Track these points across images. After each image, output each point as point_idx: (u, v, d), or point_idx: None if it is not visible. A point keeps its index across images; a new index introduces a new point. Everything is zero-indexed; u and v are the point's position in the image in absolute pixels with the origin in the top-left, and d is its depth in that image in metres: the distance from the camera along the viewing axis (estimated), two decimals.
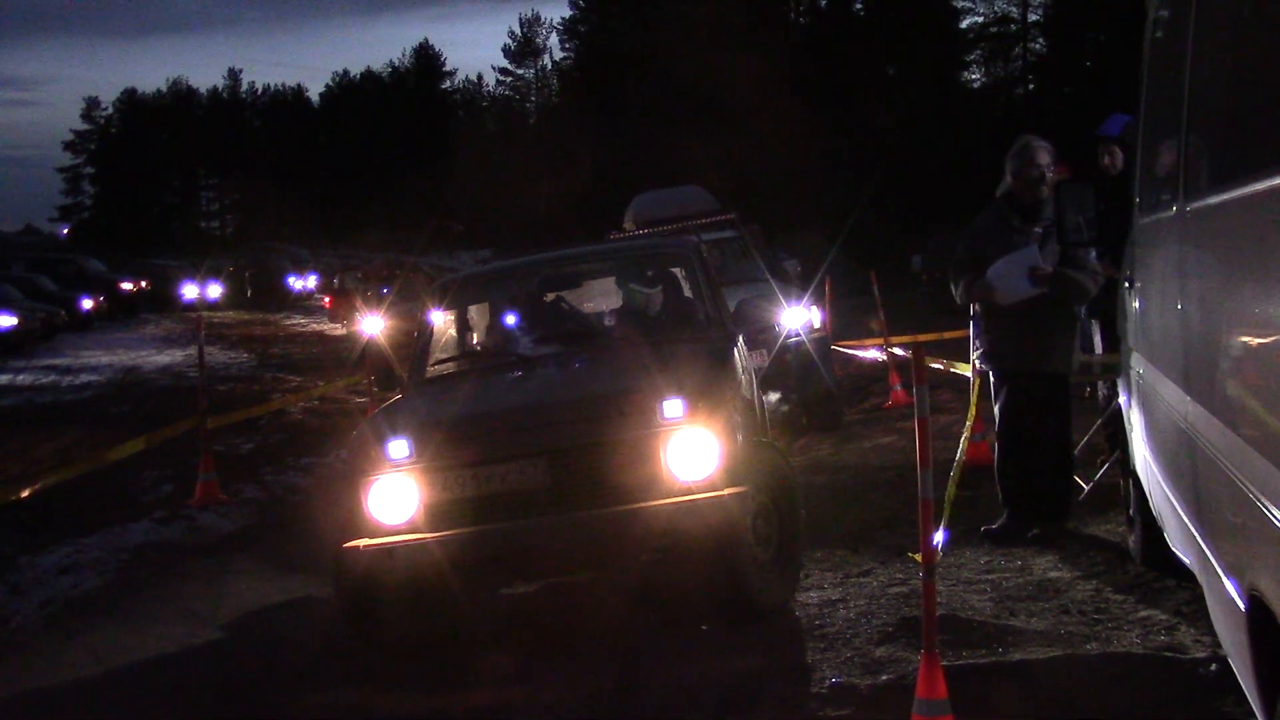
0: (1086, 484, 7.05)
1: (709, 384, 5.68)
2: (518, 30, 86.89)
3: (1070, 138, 6.96)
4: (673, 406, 5.37)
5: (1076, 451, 7.27)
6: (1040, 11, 48.46)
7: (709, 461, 5.35)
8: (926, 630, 3.98)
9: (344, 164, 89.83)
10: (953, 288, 6.83)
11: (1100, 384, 7.49)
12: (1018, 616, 5.27)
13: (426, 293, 8.24)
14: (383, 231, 68.94)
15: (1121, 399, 5.74)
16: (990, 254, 6.51)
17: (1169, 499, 4.18)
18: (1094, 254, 6.39)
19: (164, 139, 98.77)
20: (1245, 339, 2.80)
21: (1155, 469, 4.52)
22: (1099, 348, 7.39)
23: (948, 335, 13.24)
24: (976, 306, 6.92)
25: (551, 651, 5.61)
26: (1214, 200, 3.15)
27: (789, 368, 10.59)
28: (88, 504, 9.39)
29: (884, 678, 4.69)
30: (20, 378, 20.81)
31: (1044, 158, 6.50)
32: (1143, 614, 5.15)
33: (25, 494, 8.57)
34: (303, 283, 47.95)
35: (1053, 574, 5.86)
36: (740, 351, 6.65)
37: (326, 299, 34.82)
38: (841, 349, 13.76)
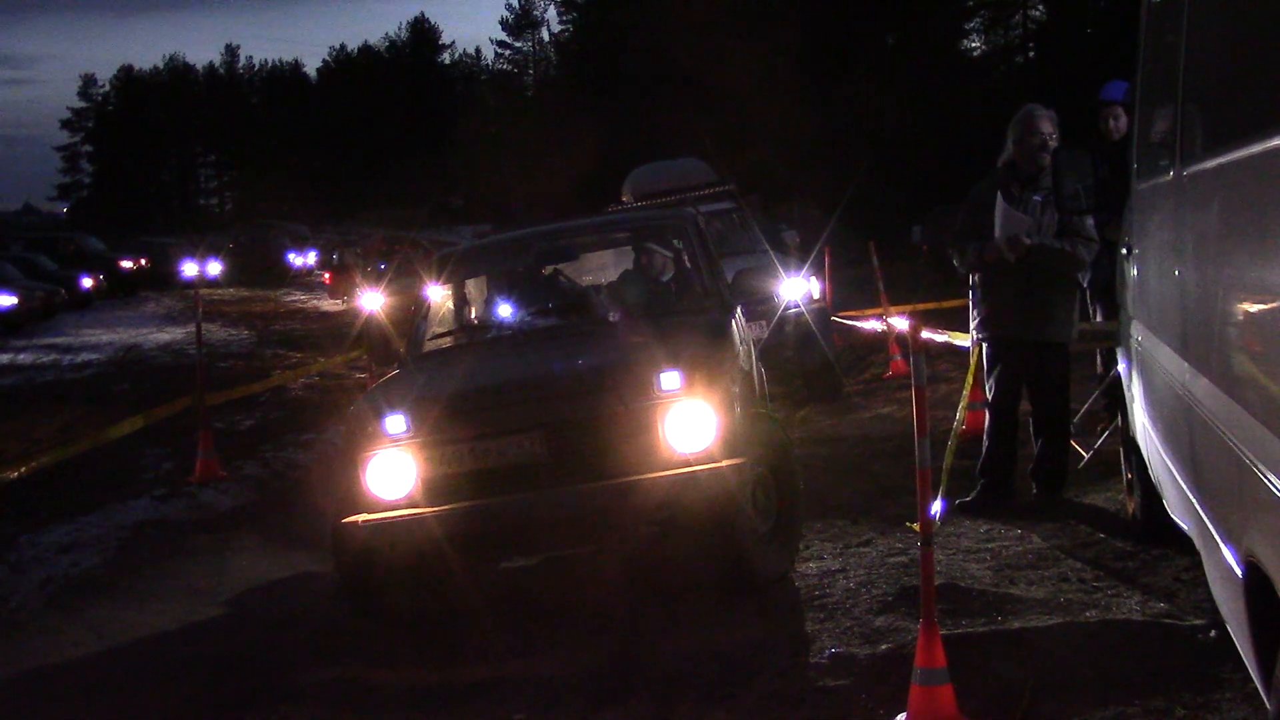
0: (1086, 452, 7.04)
1: (706, 356, 5.66)
2: (515, 3, 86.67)
3: (1071, 104, 6.90)
4: (670, 379, 5.35)
5: (1077, 420, 7.27)
6: None
7: (707, 433, 5.34)
8: (925, 599, 3.98)
9: (342, 139, 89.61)
10: (954, 257, 6.80)
11: (1099, 351, 7.47)
12: (1017, 585, 5.28)
13: (424, 267, 8.21)
14: (382, 207, 68.78)
15: (1120, 366, 5.73)
16: (988, 222, 6.48)
17: (1168, 466, 4.17)
18: (1091, 221, 6.35)
19: (161, 116, 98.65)
20: (1242, 304, 2.78)
21: (1154, 436, 4.51)
22: (1098, 315, 7.37)
23: (947, 305, 13.21)
24: (975, 276, 6.89)
25: (551, 625, 5.61)
26: (1210, 164, 3.13)
27: (788, 339, 10.58)
28: (88, 482, 9.40)
29: (883, 647, 4.70)
30: (20, 357, 20.81)
31: (1046, 126, 6.46)
32: (1142, 581, 5.16)
33: (25, 472, 8.55)
34: (302, 259, 47.90)
35: (1051, 542, 5.86)
36: (738, 323, 6.63)
37: (326, 275, 34.77)
38: (841, 320, 13.73)
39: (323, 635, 5.94)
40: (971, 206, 6.67)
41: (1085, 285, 7.31)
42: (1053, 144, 6.43)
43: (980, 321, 6.74)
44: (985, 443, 6.68)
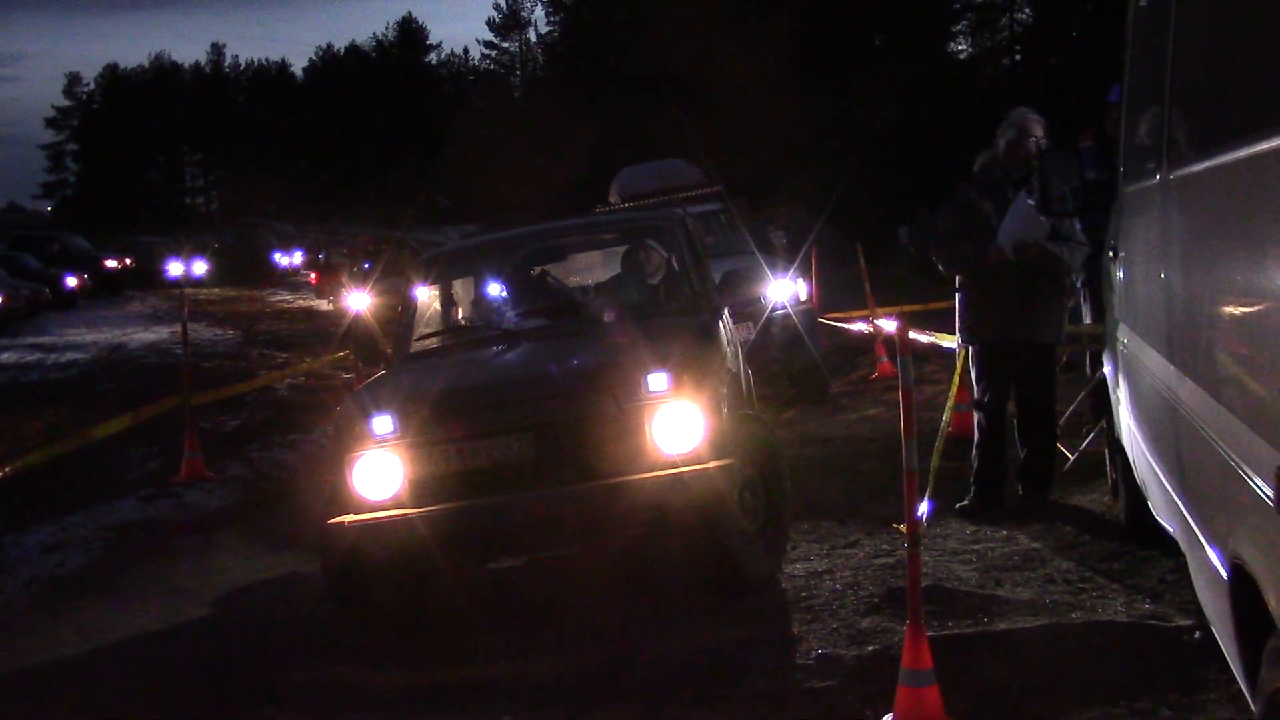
0: (1071, 454, 7.06)
1: (694, 357, 5.67)
2: (502, 3, 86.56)
3: (1058, 107, 6.92)
4: (658, 380, 5.35)
5: (1062, 422, 7.29)
6: None
7: (695, 434, 5.34)
8: (911, 601, 3.99)
9: (329, 139, 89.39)
10: (938, 259, 6.77)
11: (1088, 354, 7.50)
12: (1003, 586, 5.29)
13: (411, 267, 8.20)
14: (369, 207, 68.67)
15: (1106, 368, 5.75)
16: (978, 224, 6.46)
17: (1153, 468, 4.19)
18: (1078, 224, 6.37)
19: (147, 115, 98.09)
20: (1228, 307, 2.80)
21: (1139, 438, 4.53)
22: (1087, 317, 7.39)
23: (933, 306, 13.22)
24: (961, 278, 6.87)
25: (539, 626, 5.61)
26: (1197, 168, 3.14)
27: (775, 340, 10.59)
28: (73, 482, 9.35)
29: (870, 648, 4.71)
30: (4, 356, 20.68)
31: (1039, 129, 6.49)
32: (1127, 582, 5.18)
33: (9, 472, 8.51)
34: (289, 259, 47.81)
35: (1037, 544, 5.88)
36: (726, 324, 6.64)
37: (312, 275, 34.70)
38: (828, 321, 13.74)
39: (309, 636, 5.94)
40: (959, 208, 6.66)
41: (1080, 286, 7.31)
42: (1042, 147, 6.43)
43: (970, 324, 6.73)
44: (976, 446, 6.67)
